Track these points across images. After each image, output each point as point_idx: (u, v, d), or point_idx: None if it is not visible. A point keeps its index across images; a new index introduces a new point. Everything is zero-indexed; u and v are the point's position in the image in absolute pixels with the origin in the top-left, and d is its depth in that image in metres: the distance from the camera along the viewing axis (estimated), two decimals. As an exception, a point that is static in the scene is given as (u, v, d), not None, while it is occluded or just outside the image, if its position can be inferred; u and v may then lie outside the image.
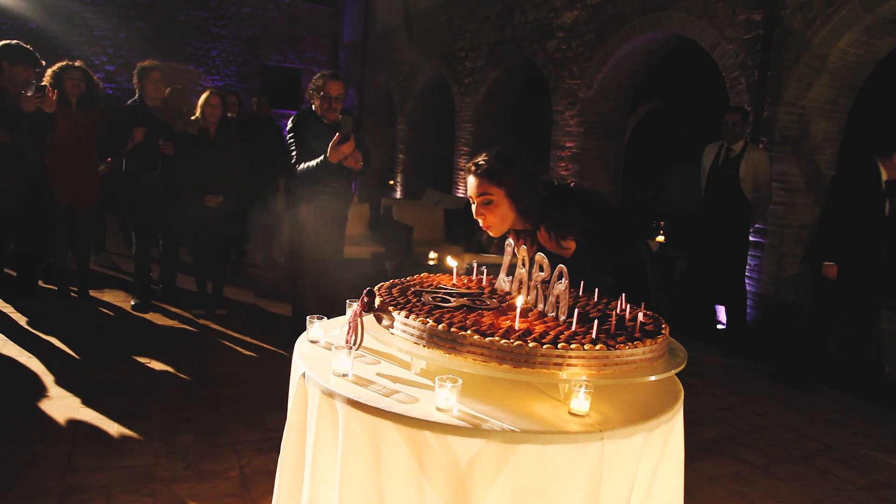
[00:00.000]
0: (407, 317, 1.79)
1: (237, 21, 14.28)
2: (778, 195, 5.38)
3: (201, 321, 5.13)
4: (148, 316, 5.18)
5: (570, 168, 8.00)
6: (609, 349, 1.68)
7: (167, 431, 3.23)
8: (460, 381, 1.60)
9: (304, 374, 1.78)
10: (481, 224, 2.36)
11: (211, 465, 2.94)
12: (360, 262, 6.27)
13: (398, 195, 12.37)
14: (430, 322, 1.73)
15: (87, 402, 3.50)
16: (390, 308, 1.87)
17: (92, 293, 5.57)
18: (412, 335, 1.77)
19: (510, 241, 2.28)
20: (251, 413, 3.55)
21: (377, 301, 1.94)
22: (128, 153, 5.13)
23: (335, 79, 4.21)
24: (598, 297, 2.23)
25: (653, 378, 1.71)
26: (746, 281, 5.52)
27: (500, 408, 1.64)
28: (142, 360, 4.20)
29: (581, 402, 1.64)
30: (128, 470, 2.82)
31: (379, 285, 2.14)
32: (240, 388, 3.89)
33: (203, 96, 5.04)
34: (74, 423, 3.26)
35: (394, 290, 2.10)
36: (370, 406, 1.58)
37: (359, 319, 1.88)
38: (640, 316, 1.93)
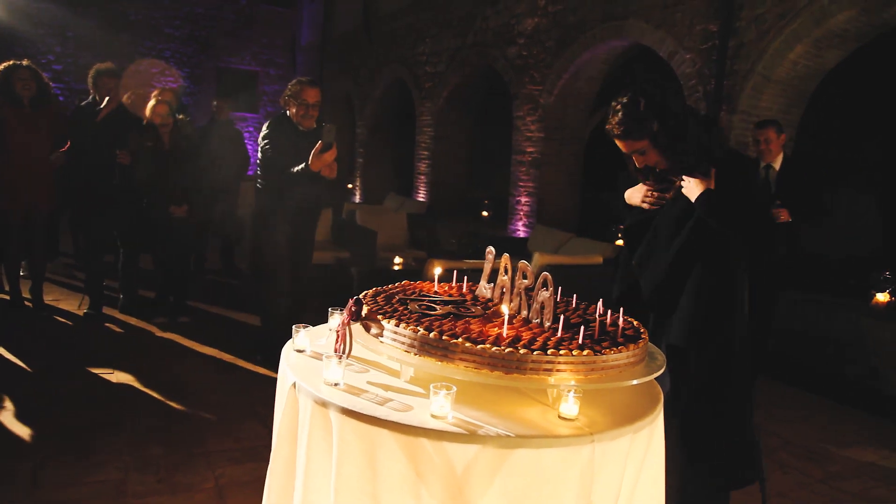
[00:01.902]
0: (397, 325, 1.80)
1: (191, 21, 14.01)
2: (734, 200, 5.56)
3: (163, 333, 5.02)
4: (108, 325, 5.04)
5: (532, 172, 8.11)
6: (596, 354, 1.73)
7: (136, 444, 3.16)
8: (454, 388, 1.62)
9: (294, 384, 1.78)
10: (645, 171, 2.37)
11: (184, 478, 2.89)
12: (325, 267, 6.22)
13: (357, 199, 12.32)
14: (422, 330, 1.75)
15: (48, 415, 3.40)
16: (379, 316, 1.88)
17: (47, 301, 5.39)
18: (403, 343, 1.78)
19: (490, 248, 2.32)
20: (222, 423, 3.49)
21: (364, 310, 1.95)
22: (79, 160, 4.96)
23: (313, 85, 4.16)
24: (575, 302, 2.29)
25: (638, 381, 1.76)
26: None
27: (491, 414, 1.67)
28: (103, 370, 4.09)
29: (570, 406, 1.68)
30: (98, 485, 2.75)
31: (363, 293, 2.15)
32: (208, 398, 3.82)
33: (150, 104, 4.93)
34: (36, 438, 3.16)
35: (378, 298, 2.11)
36: (366, 415, 1.59)
37: (347, 328, 1.88)
38: (620, 321, 2.00)
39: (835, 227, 6.89)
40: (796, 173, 4.46)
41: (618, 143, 2.34)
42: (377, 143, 12.26)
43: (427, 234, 7.44)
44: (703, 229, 2.28)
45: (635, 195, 2.48)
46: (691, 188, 2.30)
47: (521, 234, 8.14)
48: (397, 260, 5.90)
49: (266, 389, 3.97)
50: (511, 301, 2.09)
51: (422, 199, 10.31)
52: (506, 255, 2.18)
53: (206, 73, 14.07)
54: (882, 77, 6.16)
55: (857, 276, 5.71)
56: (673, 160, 2.30)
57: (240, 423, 3.51)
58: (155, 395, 3.81)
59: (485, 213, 10.11)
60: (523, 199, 8.27)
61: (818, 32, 4.99)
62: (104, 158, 4.89)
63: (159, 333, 4.95)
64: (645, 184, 2.43)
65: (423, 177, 10.54)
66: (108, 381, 3.95)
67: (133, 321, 5.17)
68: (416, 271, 5.61)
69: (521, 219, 8.32)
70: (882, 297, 4.74)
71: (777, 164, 4.52)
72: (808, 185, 4.38)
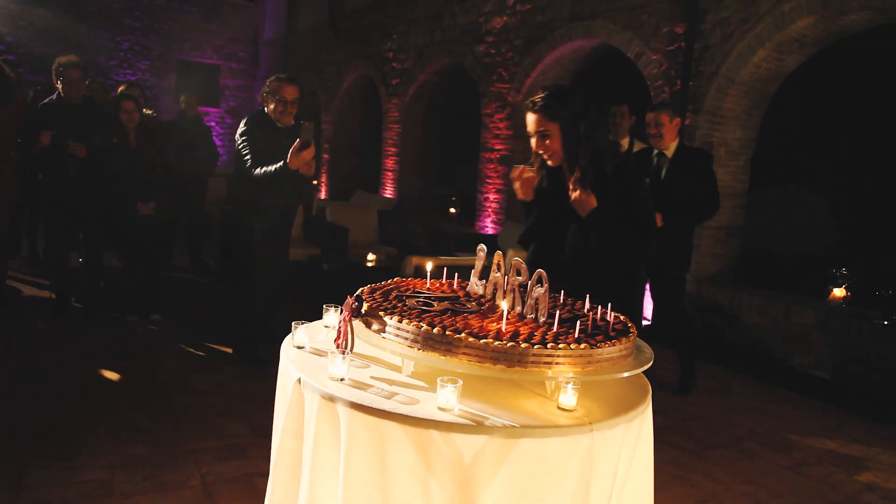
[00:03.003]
0: (400, 321, 1.85)
1: (151, 13, 13.70)
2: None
3: (136, 331, 4.95)
4: (79, 324, 4.94)
5: (500, 170, 8.20)
6: (592, 348, 1.81)
7: (119, 443, 3.13)
8: (461, 382, 1.68)
9: (299, 380, 1.81)
10: (543, 154, 2.63)
11: (171, 476, 2.88)
12: (297, 264, 6.20)
13: (322, 196, 12.25)
14: (425, 326, 1.80)
15: (25, 417, 3.34)
16: (380, 313, 1.92)
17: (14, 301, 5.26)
18: (406, 339, 1.83)
19: (482, 246, 2.37)
20: (204, 420, 3.48)
21: (365, 306, 1.99)
22: (38, 156, 4.83)
23: (291, 82, 4.17)
24: (563, 298, 2.36)
25: (632, 373, 1.85)
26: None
27: (494, 406, 1.74)
28: (78, 369, 4.03)
29: (569, 397, 1.76)
30: (85, 485, 2.73)
31: (360, 290, 2.19)
32: (186, 396, 3.80)
33: (117, 99, 4.86)
34: (15, 439, 3.10)
35: (375, 295, 2.16)
36: (374, 408, 1.64)
37: (349, 325, 1.92)
38: (611, 316, 2.08)
39: (790, 226, 7.16)
40: (690, 163, 4.24)
41: (530, 117, 2.58)
42: (343, 139, 12.21)
43: (399, 231, 7.47)
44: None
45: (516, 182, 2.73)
46: (581, 203, 2.55)
47: (490, 231, 8.23)
48: (370, 257, 5.92)
49: (244, 387, 3.98)
50: (505, 297, 2.15)
51: (389, 196, 10.32)
52: (498, 253, 2.24)
53: (166, 66, 13.78)
54: (838, 81, 6.42)
55: (814, 274, 5.96)
56: (568, 154, 2.57)
57: (221, 420, 3.50)
58: (133, 394, 3.77)
59: (452, 210, 10.18)
60: (491, 196, 8.36)
61: (779, 37, 5.18)
62: (62, 156, 4.77)
63: (132, 332, 4.88)
64: (527, 172, 2.70)
65: (390, 173, 10.54)
66: (84, 381, 3.89)
67: (103, 318, 5.08)
68: (391, 268, 5.64)
69: (489, 215, 8.41)
70: (839, 293, 4.96)
71: (670, 152, 4.27)
72: (700, 177, 4.19)
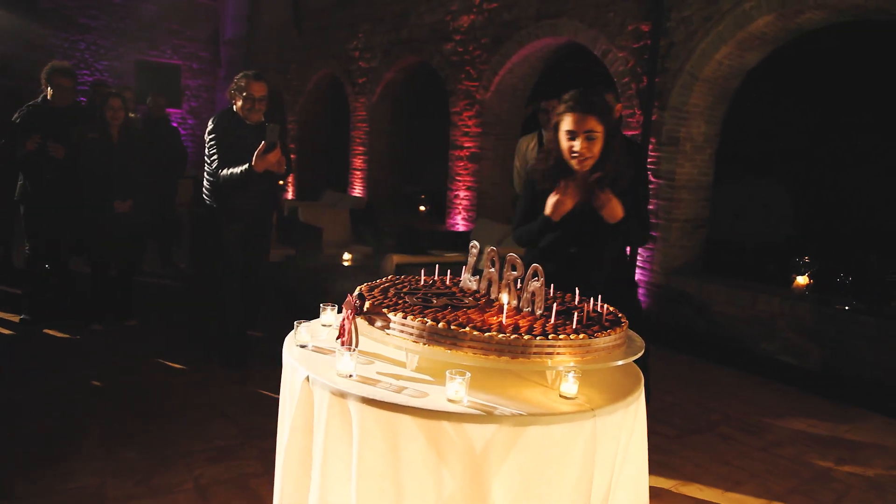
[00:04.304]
0: (405, 318, 1.90)
1: (108, 12, 13.36)
2: (665, 192, 5.91)
3: (112, 337, 4.88)
4: (53, 331, 4.84)
5: (469, 167, 8.27)
6: (590, 338, 1.89)
7: (108, 448, 3.11)
8: (468, 374, 1.73)
9: (307, 378, 1.84)
10: (581, 158, 2.54)
11: (163, 480, 2.87)
12: (273, 265, 6.18)
13: (290, 196, 12.16)
14: (430, 321, 1.85)
15: (6, 425, 3.28)
16: (384, 310, 1.97)
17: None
18: (411, 334, 1.88)
19: (475, 243, 2.43)
20: (191, 423, 3.47)
21: (367, 304, 2.03)
22: (21, 160, 4.75)
23: (259, 79, 4.14)
24: (552, 291, 2.44)
25: (629, 360, 1.94)
26: (639, 271, 6.02)
27: (499, 396, 1.80)
28: (57, 377, 3.96)
29: (570, 385, 1.83)
30: (76, 492, 2.71)
31: (359, 288, 2.23)
32: (170, 400, 3.78)
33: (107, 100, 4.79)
34: (1, 448, 3.05)
35: (375, 292, 2.20)
36: (386, 402, 1.68)
37: (353, 322, 1.96)
38: (603, 308, 2.16)
39: (753, 216, 7.41)
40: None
41: (575, 116, 2.52)
42: (310, 138, 12.14)
43: (372, 230, 7.48)
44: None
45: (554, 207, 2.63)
46: (611, 210, 2.54)
47: (461, 228, 8.30)
48: (346, 256, 5.93)
49: (227, 388, 3.97)
50: (500, 291, 2.21)
51: (358, 195, 10.31)
52: (493, 249, 2.30)
53: (125, 66, 13.46)
54: (796, 77, 6.67)
55: (776, 261, 6.18)
56: (604, 160, 2.55)
57: (207, 422, 3.49)
58: (117, 400, 3.73)
59: (422, 208, 10.22)
60: (462, 194, 8.42)
61: (741, 35, 5.35)
62: (48, 157, 4.70)
63: (107, 337, 4.81)
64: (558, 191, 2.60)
65: (358, 172, 10.53)
66: (66, 388, 3.83)
67: (76, 325, 4.99)
68: (367, 267, 5.67)
69: (459, 213, 8.47)
70: (802, 280, 5.16)
71: None
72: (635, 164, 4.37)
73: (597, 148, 2.53)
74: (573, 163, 2.57)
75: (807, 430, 3.91)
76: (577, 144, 2.53)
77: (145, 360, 4.40)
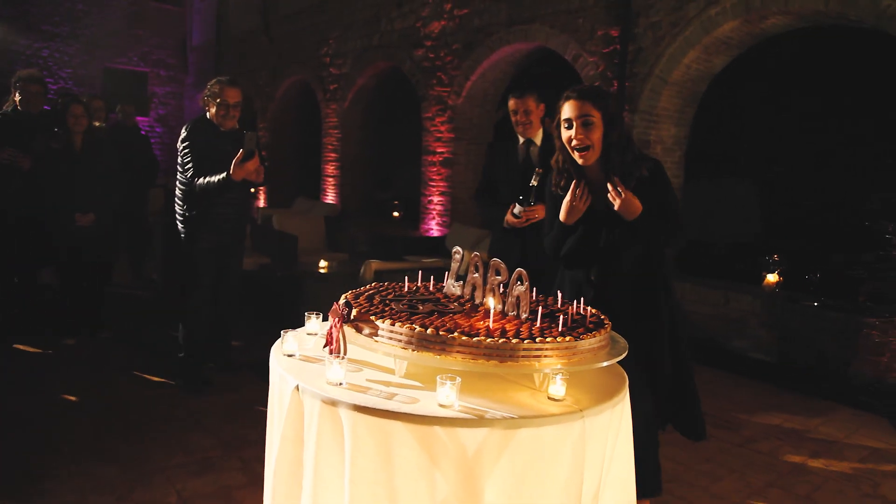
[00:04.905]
0: (392, 324, 1.91)
1: (72, 19, 13.11)
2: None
3: (84, 350, 4.78)
4: (24, 346, 4.73)
5: (442, 172, 8.30)
6: (576, 340, 1.92)
7: (85, 464, 3.05)
8: (459, 378, 1.75)
9: (297, 387, 1.84)
10: (579, 145, 2.47)
11: (144, 495, 2.83)
12: (248, 273, 6.12)
13: (262, 204, 12.06)
14: (418, 327, 1.87)
15: (-20, 444, 3.21)
16: (372, 317, 1.97)
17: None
18: (400, 341, 1.89)
19: (458, 248, 2.45)
20: (168, 436, 3.42)
21: (354, 311, 2.04)
22: None
23: (233, 85, 4.07)
24: (535, 295, 2.46)
25: (614, 360, 1.97)
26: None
27: (489, 400, 1.82)
28: (30, 393, 3.88)
29: (558, 387, 1.86)
30: (56, 509, 2.66)
31: (344, 296, 2.23)
32: (146, 414, 3.72)
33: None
34: (-28, 467, 2.98)
35: (360, 299, 2.20)
36: (378, 409, 1.69)
37: (340, 331, 1.96)
38: (585, 311, 2.20)
39: (722, 216, 7.56)
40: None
41: (573, 103, 2.48)
42: (281, 145, 12.05)
43: (346, 237, 7.46)
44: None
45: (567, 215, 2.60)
46: (627, 207, 2.46)
47: (435, 234, 8.32)
48: (322, 263, 5.91)
49: (204, 399, 3.92)
50: (486, 296, 2.23)
51: (331, 202, 10.27)
52: (476, 254, 2.33)
53: (90, 74, 13.22)
54: (761, 80, 6.84)
55: (745, 260, 6.32)
56: (605, 151, 2.50)
57: (187, 435, 3.45)
58: (93, 415, 3.67)
59: (395, 214, 10.22)
60: (435, 199, 8.45)
61: (707, 40, 5.48)
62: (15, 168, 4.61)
63: (80, 350, 4.72)
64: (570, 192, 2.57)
65: (331, 179, 10.49)
66: (38, 404, 3.75)
67: (45, 339, 4.88)
68: (343, 274, 5.65)
69: (433, 218, 8.49)
70: (772, 278, 5.29)
71: (538, 139, 3.75)
72: None
73: (595, 135, 2.46)
74: (576, 156, 2.50)
75: (782, 425, 4.01)
76: (570, 134, 2.48)
77: (121, 373, 4.33)
